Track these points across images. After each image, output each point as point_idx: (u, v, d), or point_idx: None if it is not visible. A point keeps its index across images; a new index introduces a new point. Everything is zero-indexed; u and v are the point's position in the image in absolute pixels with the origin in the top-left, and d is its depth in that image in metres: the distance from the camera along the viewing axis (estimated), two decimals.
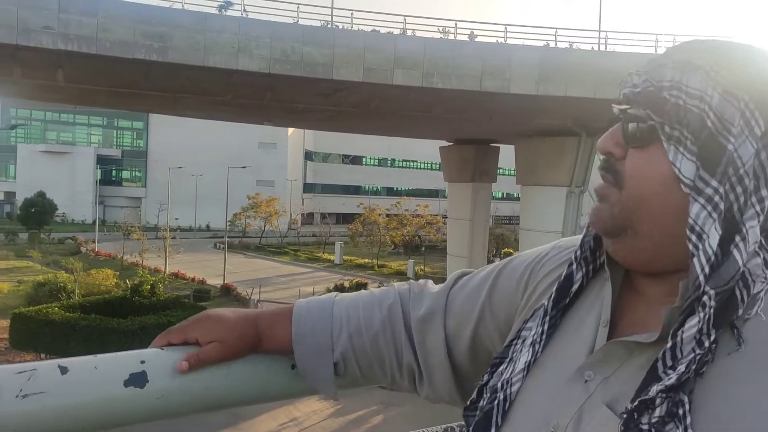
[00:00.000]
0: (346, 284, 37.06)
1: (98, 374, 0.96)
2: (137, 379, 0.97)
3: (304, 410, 19.19)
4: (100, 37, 19.07)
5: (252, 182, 68.99)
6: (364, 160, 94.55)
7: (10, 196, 78.43)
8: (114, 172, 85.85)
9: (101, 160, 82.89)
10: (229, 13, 22.65)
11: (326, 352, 1.03)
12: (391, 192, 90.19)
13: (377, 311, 1.05)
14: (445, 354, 1.00)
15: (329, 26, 23.97)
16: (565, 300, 0.85)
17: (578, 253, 0.85)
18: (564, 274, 0.86)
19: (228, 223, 49.19)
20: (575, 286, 0.85)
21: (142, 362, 0.99)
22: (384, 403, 19.69)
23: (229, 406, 1.09)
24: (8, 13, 18.27)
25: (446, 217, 41.26)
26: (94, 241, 52.70)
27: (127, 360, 0.99)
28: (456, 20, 33.60)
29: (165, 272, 38.03)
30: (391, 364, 1.04)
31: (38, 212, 58.38)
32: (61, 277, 31.10)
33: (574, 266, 0.85)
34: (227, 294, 34.67)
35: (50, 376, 0.93)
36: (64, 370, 0.94)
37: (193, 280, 38.27)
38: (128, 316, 23.22)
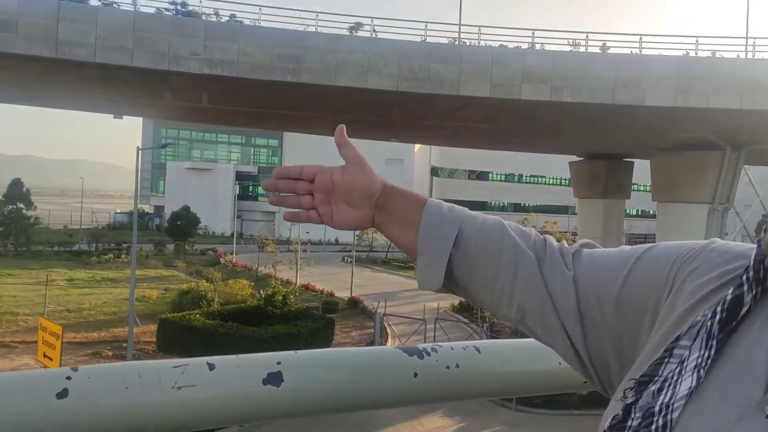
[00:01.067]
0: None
1: (240, 372, 1.05)
2: (274, 379, 1.05)
3: (428, 426, 19.19)
4: (241, 61, 20.33)
5: None
6: (490, 175, 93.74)
7: (159, 209, 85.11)
8: (251, 188, 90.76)
9: (239, 177, 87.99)
10: (359, 34, 23.37)
11: (450, 230, 1.03)
12: (518, 208, 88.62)
13: (507, 231, 1.03)
14: (575, 299, 0.95)
15: (456, 43, 24.08)
16: (732, 323, 0.78)
17: (750, 274, 0.78)
18: (733, 294, 0.79)
19: (356, 238, 50.39)
20: (744, 309, 0.78)
21: (278, 363, 1.07)
22: (509, 423, 19.29)
23: (357, 409, 1.14)
24: (161, 41, 19.93)
25: (576, 235, 39.90)
26: (232, 253, 55.89)
27: (265, 361, 1.07)
28: (587, 32, 32.60)
29: (296, 284, 39.58)
30: (503, 285, 1.00)
31: (183, 225, 62.84)
32: (203, 286, 33.23)
33: (745, 287, 0.78)
34: (354, 307, 35.47)
35: (200, 372, 1.03)
36: (211, 366, 1.04)
37: (322, 292, 39.51)
38: (261, 325, 24.39)
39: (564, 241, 1.04)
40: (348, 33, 22.92)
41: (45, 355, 16.70)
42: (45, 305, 29.09)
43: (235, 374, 1.04)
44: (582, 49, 24.58)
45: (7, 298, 33.57)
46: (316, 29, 22.91)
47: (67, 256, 51.38)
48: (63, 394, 0.93)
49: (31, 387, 0.93)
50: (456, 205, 1.10)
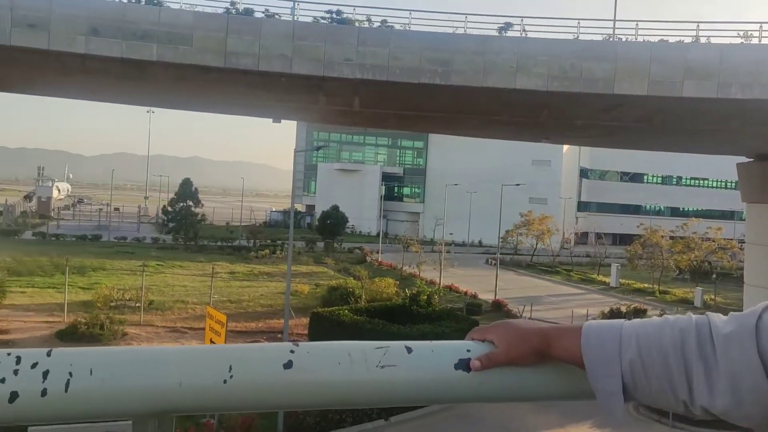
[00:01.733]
0: (623, 309, 35.06)
1: (434, 356, 1.16)
2: (465, 364, 1.15)
3: None
4: (391, 65, 20.84)
5: (525, 200, 69.00)
6: (645, 177, 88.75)
7: (310, 208, 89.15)
8: (396, 189, 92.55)
9: (386, 178, 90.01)
10: (509, 34, 23.11)
11: (613, 362, 1.08)
12: (675, 212, 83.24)
13: (668, 330, 1.06)
14: (762, 374, 0.95)
15: (611, 39, 23.11)
16: None
17: None
18: None
19: (500, 240, 49.82)
20: None
21: (468, 351, 1.17)
22: None
23: (530, 400, 1.22)
24: (317, 49, 20.91)
25: (743, 242, 36.76)
26: (377, 252, 57.34)
27: (456, 347, 1.18)
28: (761, 22, 29.92)
29: (440, 284, 39.84)
30: (681, 385, 1.02)
31: (332, 224, 65.39)
32: (350, 283, 34.42)
33: None
34: (498, 309, 35.10)
35: (399, 354, 1.15)
36: (409, 350, 1.16)
37: (465, 293, 39.47)
38: (407, 324, 24.84)
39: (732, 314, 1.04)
40: (497, 34, 22.74)
41: (211, 341, 18.13)
42: (210, 295, 31.55)
43: (430, 358, 1.16)
44: (755, 41, 22.64)
45: (178, 287, 36.79)
46: (465, 31, 22.95)
47: (229, 250, 55.26)
48: (288, 365, 1.09)
49: (264, 357, 1.10)
50: (609, 322, 1.14)
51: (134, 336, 26.23)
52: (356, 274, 37.46)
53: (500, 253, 48.42)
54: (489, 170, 73.52)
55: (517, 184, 55.06)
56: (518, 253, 63.34)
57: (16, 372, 0.96)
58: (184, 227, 57.98)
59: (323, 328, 24.99)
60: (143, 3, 21.54)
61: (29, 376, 0.97)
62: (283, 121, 33.99)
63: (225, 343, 17.56)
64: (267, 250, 53.49)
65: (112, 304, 30.31)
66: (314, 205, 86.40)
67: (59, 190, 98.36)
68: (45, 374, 0.97)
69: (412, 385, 1.14)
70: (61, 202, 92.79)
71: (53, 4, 19.60)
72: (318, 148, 47.51)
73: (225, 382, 1.04)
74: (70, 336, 24.94)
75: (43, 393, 0.97)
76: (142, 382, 1.01)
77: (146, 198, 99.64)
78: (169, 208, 59.80)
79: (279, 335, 26.34)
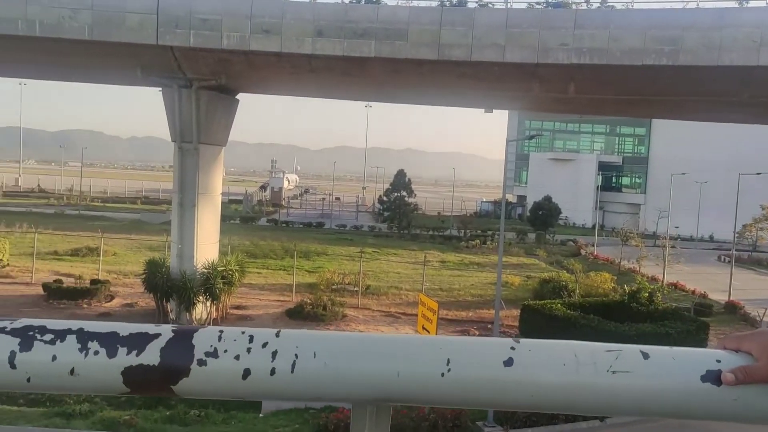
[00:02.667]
0: None
1: (676, 365, 1.02)
2: (714, 377, 0.99)
3: None
4: (611, 48, 19.68)
5: (766, 190, 61.41)
6: None
7: (521, 199, 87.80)
8: (614, 179, 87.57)
9: (602, 167, 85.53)
10: (750, 5, 20.62)
11: None
12: None
13: None
14: None
15: None
16: None
17: None
18: None
19: (736, 235, 44.92)
20: None
21: (718, 361, 1.01)
22: None
23: None
24: (531, 35, 20.42)
25: None
26: (593, 245, 54.79)
27: (703, 356, 1.02)
28: None
29: (663, 281, 37.00)
30: None
31: (544, 215, 63.76)
32: (563, 276, 33.32)
33: None
34: (732, 312, 31.73)
35: (634, 359, 1.03)
36: (645, 355, 1.03)
37: (693, 292, 36.24)
38: (625, 322, 23.43)
39: None
40: (737, 5, 20.38)
41: (423, 328, 18.65)
42: (422, 283, 32.49)
43: (671, 366, 1.02)
44: None
45: (392, 274, 38.40)
46: (698, 5, 20.90)
47: (440, 240, 56.41)
48: (509, 362, 1.02)
49: (483, 352, 1.05)
50: None
51: (352, 318, 27.89)
52: (570, 268, 36.15)
53: (736, 250, 43.62)
54: (723, 158, 66.60)
55: (758, 173, 49.17)
56: (758, 250, 56.60)
57: (249, 350, 1.02)
58: (398, 216, 60.31)
59: (534, 321, 24.50)
60: (362, 2, 22.64)
61: (260, 355, 1.02)
62: (494, 110, 33.77)
63: (437, 330, 17.95)
64: (477, 241, 53.72)
65: (334, 287, 32.50)
66: (525, 196, 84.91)
67: (289, 181, 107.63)
68: (274, 354, 1.02)
69: (650, 396, 1.01)
70: (290, 192, 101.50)
71: (285, 11, 21.39)
72: (530, 137, 46.51)
73: (442, 375, 1.01)
74: (297, 314, 27.24)
75: (272, 372, 1.01)
76: (362, 369, 1.01)
77: (364, 188, 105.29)
78: (384, 198, 62.60)
79: (489, 326, 26.34)
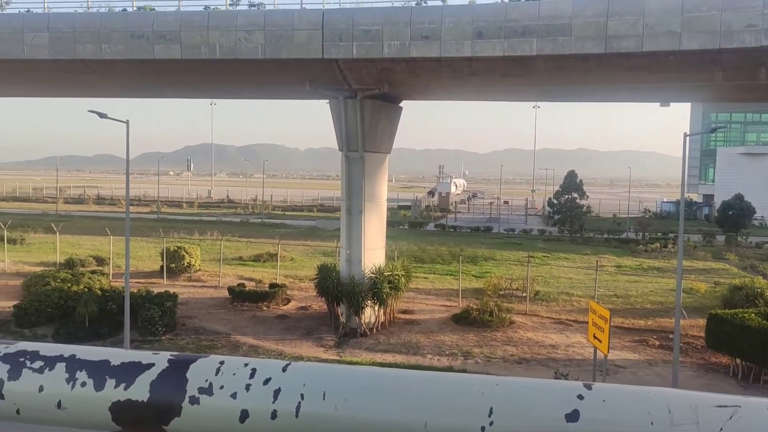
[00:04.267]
0: None
1: None
2: None
3: None
4: None
5: None
6: None
7: (708, 198, 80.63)
8: None
9: None
10: None
11: None
12: None
13: None
14: None
15: None
16: None
17: None
18: None
19: None
20: None
21: None
22: None
23: None
24: (711, 19, 18.60)
25: None
26: None
27: None
28: None
29: None
30: None
31: (735, 215, 57.98)
32: (758, 282, 29.96)
33: None
34: None
35: (761, 421, 0.72)
36: None
37: None
38: None
39: None
40: None
41: (594, 336, 17.61)
42: (595, 289, 30.84)
43: None
44: None
45: (563, 279, 36.92)
46: None
47: (615, 243, 53.34)
48: (574, 416, 0.76)
49: (539, 400, 0.79)
50: None
51: (520, 324, 27.13)
52: (766, 272, 32.42)
53: None
54: None
55: None
56: None
57: (248, 387, 0.85)
58: (570, 219, 57.97)
59: (723, 332, 22.22)
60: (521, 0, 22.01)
61: (261, 393, 0.85)
62: (672, 104, 31.27)
63: (608, 340, 16.85)
64: (657, 244, 50.12)
65: (501, 292, 31.88)
66: (713, 195, 77.90)
67: (456, 186, 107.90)
68: (276, 393, 0.84)
69: None
70: (457, 197, 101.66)
71: (444, 15, 21.37)
72: (713, 131, 42.47)
73: (483, 430, 0.77)
74: (463, 320, 27.04)
75: (273, 415, 0.83)
76: (380, 415, 0.81)
77: (533, 191, 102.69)
78: (555, 201, 60.49)
79: (670, 335, 24.32)
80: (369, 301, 26.06)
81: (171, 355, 0.91)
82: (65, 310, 25.02)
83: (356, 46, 21.92)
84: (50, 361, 0.91)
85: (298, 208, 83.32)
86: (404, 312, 28.72)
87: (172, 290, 27.67)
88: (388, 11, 22.24)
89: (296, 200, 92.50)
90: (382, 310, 26.72)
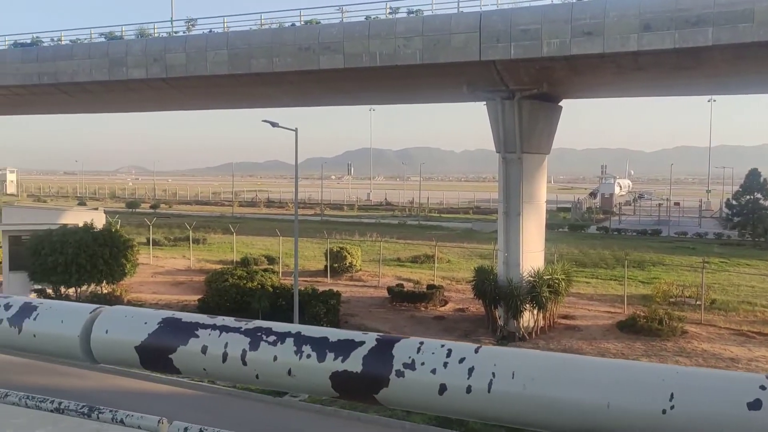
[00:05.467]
0: None
1: None
2: None
3: None
4: None
5: None
6: None
7: None
8: None
9: None
10: None
11: None
12: None
13: None
14: None
15: None
16: None
17: None
18: None
19: None
20: None
21: None
22: None
23: None
24: None
25: None
26: None
27: None
28: None
29: None
30: None
31: None
32: None
33: None
34: None
35: None
36: None
37: None
38: None
39: None
40: None
41: None
42: None
43: None
44: None
45: (744, 288, 33.90)
46: None
47: None
48: (756, 405, 0.80)
49: (719, 388, 0.84)
50: None
51: (694, 335, 25.31)
52: None
53: None
54: None
55: None
56: None
57: (445, 365, 0.98)
58: (752, 222, 53.04)
59: None
60: None
61: (457, 371, 0.97)
62: None
63: None
64: None
65: (671, 299, 29.93)
66: None
67: (620, 187, 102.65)
68: (470, 371, 0.96)
69: None
70: (622, 198, 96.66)
71: (607, 9, 20.54)
72: None
73: (664, 412, 0.84)
74: (629, 328, 25.73)
75: (468, 389, 0.95)
76: (566, 396, 0.90)
77: (708, 191, 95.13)
78: (734, 202, 55.64)
79: None
80: (527, 305, 25.63)
81: (378, 335, 1.07)
82: (241, 304, 27.10)
83: (514, 46, 21.69)
84: (281, 337, 1.11)
85: (454, 210, 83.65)
86: (565, 317, 27.88)
87: (335, 289, 29.01)
88: (546, 9, 21.78)
89: (452, 202, 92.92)
90: (541, 315, 26.15)
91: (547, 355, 0.96)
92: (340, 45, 24.15)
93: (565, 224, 62.95)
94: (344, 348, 1.04)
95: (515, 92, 24.51)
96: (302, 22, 26.52)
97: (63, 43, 32.73)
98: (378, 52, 23.41)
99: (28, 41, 33.70)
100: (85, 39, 32.28)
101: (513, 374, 0.94)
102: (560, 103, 27.63)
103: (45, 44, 33.06)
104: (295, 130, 22.54)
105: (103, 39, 31.57)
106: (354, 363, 1.03)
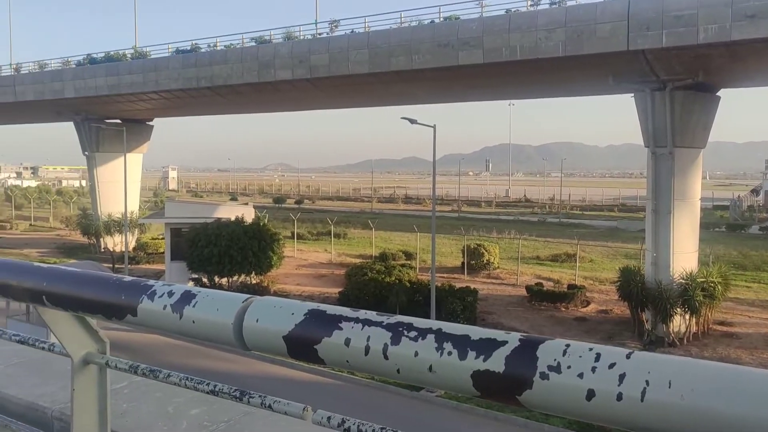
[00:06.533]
0: None
1: None
2: None
3: None
4: None
5: None
6: None
7: None
8: None
9: None
10: None
11: None
12: None
13: None
14: None
15: None
16: None
17: None
18: None
19: None
20: None
21: None
22: None
23: None
24: None
25: None
26: None
27: None
28: None
29: None
30: None
31: None
32: None
33: None
34: None
35: None
36: None
37: None
38: None
39: None
40: None
41: None
42: None
43: None
44: None
45: None
46: None
47: None
48: None
49: None
50: None
51: None
52: None
53: None
54: None
55: None
56: None
57: (593, 369, 0.93)
58: None
59: None
60: None
61: (606, 376, 0.92)
62: None
63: None
64: None
65: None
66: None
67: None
68: (621, 377, 0.91)
69: None
70: None
71: None
72: None
73: None
74: None
75: (619, 397, 0.90)
76: (729, 409, 0.82)
77: None
78: None
79: None
80: (678, 309, 24.04)
81: (521, 335, 1.04)
82: (379, 298, 27.69)
83: (666, 33, 20.39)
84: (422, 333, 1.10)
85: (597, 208, 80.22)
86: (721, 323, 25.87)
87: (472, 286, 28.82)
88: None
89: (596, 200, 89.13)
90: (693, 320, 24.43)
91: (707, 365, 0.88)
92: (480, 40, 23.91)
93: (722, 224, 58.31)
94: (486, 347, 1.02)
95: (666, 83, 23.03)
96: (441, 19, 26.55)
97: (218, 48, 35.08)
98: (518, 45, 22.93)
99: (188, 48, 36.47)
100: (237, 44, 34.39)
101: (669, 383, 0.87)
102: (718, 93, 25.62)
103: (202, 50, 35.59)
104: (433, 127, 22.63)
105: (253, 43, 33.46)
106: (496, 363, 1.00)
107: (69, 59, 42.81)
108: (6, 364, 2.76)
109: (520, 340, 1.01)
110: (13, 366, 2.73)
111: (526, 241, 42.89)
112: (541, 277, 34.14)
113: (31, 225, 61.27)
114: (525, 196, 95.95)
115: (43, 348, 2.17)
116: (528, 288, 30.61)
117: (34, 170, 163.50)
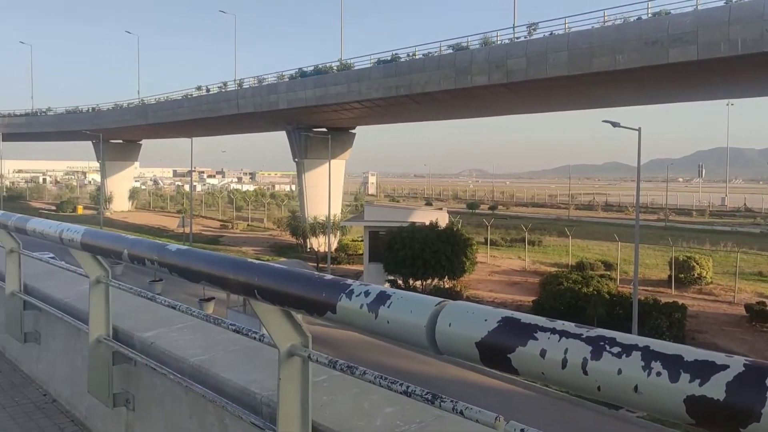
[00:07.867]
0: None
1: None
2: None
3: None
4: None
5: None
6: None
7: None
8: None
9: None
10: None
11: None
12: None
13: None
14: None
15: None
16: None
17: None
18: None
19: None
20: None
21: None
22: None
23: None
24: None
25: None
26: None
27: None
28: None
29: None
30: None
31: None
32: None
33: None
34: None
35: None
36: None
37: None
38: None
39: None
40: None
41: None
42: None
43: None
44: None
45: None
46: None
47: None
48: None
49: None
50: None
51: None
52: None
53: None
54: None
55: None
56: None
57: None
58: None
59: None
60: None
61: None
62: None
63: None
64: None
65: None
66: None
67: None
68: None
69: None
70: None
71: None
72: None
73: None
74: None
75: None
76: None
77: None
78: None
79: None
80: None
81: (746, 360, 0.91)
82: (575, 310, 26.58)
83: None
84: (627, 349, 1.02)
85: None
86: None
87: (680, 301, 26.61)
88: None
89: None
90: None
91: None
92: (694, 35, 22.03)
93: None
94: (702, 370, 0.91)
95: None
96: (649, 15, 24.89)
97: (416, 57, 36.05)
98: (740, 38, 20.77)
99: (388, 58, 37.94)
100: (435, 52, 35.08)
101: None
102: None
103: (402, 60, 36.82)
104: (638, 130, 21.24)
105: (450, 51, 33.92)
106: (715, 389, 0.89)
107: (283, 73, 46.69)
108: (226, 350, 3.03)
109: (744, 365, 0.89)
110: (231, 353, 3.00)
111: (745, 255, 38.65)
112: (763, 296, 30.53)
113: (248, 225, 67.49)
114: (745, 204, 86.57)
115: (254, 338, 2.35)
116: (748, 307, 27.53)
117: (252, 176, 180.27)
